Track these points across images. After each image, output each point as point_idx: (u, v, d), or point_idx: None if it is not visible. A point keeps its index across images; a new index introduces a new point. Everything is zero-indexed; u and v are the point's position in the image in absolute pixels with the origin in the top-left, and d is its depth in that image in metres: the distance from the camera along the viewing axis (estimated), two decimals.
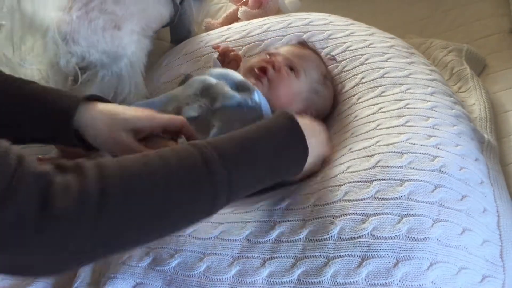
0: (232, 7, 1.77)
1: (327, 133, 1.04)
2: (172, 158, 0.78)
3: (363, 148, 1.01)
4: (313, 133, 0.96)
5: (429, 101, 1.10)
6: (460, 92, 1.32)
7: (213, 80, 1.15)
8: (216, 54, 1.32)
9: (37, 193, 0.67)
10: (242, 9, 1.67)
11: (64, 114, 0.99)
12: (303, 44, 1.28)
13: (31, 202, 0.66)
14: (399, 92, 1.13)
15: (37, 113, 1.00)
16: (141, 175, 0.74)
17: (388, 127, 1.04)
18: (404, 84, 1.15)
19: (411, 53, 1.29)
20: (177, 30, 1.65)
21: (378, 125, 1.06)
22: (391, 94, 1.13)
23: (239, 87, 1.14)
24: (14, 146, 0.69)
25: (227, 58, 1.30)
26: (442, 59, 1.42)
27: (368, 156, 0.98)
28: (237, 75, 1.16)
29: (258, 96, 1.10)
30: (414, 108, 1.08)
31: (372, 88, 1.17)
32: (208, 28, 1.72)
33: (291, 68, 1.17)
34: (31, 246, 0.67)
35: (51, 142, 1.11)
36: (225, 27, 1.54)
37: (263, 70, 1.16)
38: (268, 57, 1.19)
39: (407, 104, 1.09)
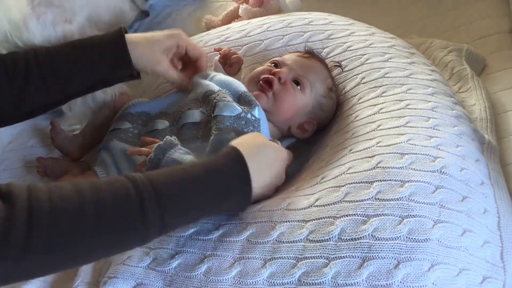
0: (233, 5, 1.77)
1: (285, 162, 1.04)
2: (106, 194, 0.78)
3: (364, 149, 1.01)
4: (269, 165, 0.98)
5: (429, 101, 1.10)
6: (460, 92, 1.32)
7: (215, 87, 1.15)
8: (217, 57, 1.30)
9: None
10: (243, 6, 1.67)
11: (115, 44, 1.11)
12: (310, 53, 1.24)
13: None
14: (400, 92, 1.13)
15: (90, 54, 1.11)
16: (71, 211, 0.75)
17: (389, 128, 1.04)
18: (405, 84, 1.15)
19: (411, 53, 1.29)
20: None
21: (378, 126, 1.06)
22: (392, 95, 1.13)
23: (241, 98, 1.13)
24: None
25: (229, 61, 1.29)
26: (442, 59, 1.42)
27: (369, 157, 0.98)
28: (240, 86, 1.16)
29: (258, 112, 1.10)
30: (415, 109, 1.08)
31: (373, 88, 1.17)
32: (208, 25, 1.72)
33: (297, 82, 1.15)
34: None
35: (102, 82, 1.15)
36: (225, 27, 1.54)
37: (268, 83, 1.14)
38: (273, 67, 1.18)
39: (408, 105, 1.09)
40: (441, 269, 0.81)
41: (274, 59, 1.21)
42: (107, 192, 0.78)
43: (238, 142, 0.95)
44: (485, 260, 0.86)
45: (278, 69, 1.15)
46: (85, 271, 0.97)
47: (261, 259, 0.88)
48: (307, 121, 1.18)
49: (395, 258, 0.81)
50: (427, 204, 0.88)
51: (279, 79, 1.13)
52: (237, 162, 0.90)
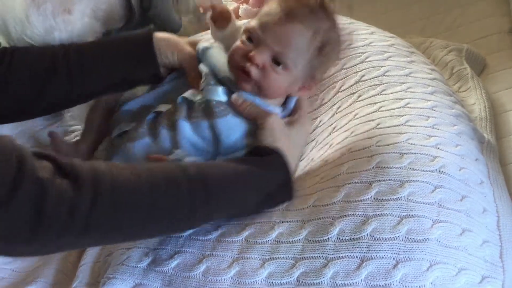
0: (233, 5, 1.76)
1: (308, 132, 1.11)
2: (160, 177, 0.84)
3: (363, 149, 1.00)
4: (299, 146, 1.07)
5: (429, 100, 1.10)
6: (460, 92, 1.32)
7: (204, 69, 1.12)
8: (209, 14, 1.21)
9: (33, 201, 0.71)
10: (243, 7, 1.67)
11: (141, 41, 1.13)
12: (287, 13, 1.03)
13: (26, 211, 0.71)
14: (399, 91, 1.13)
15: (115, 52, 1.13)
16: (131, 192, 0.80)
17: (388, 127, 1.04)
18: (404, 83, 1.15)
19: (411, 52, 1.29)
20: (158, 24, 1.63)
21: (378, 124, 1.05)
22: (391, 93, 1.13)
23: (224, 82, 1.09)
24: (16, 144, 0.73)
25: (214, 17, 1.19)
26: (442, 58, 1.43)
27: (368, 156, 0.97)
28: (222, 70, 1.10)
29: (246, 94, 1.06)
30: (414, 108, 1.08)
31: (372, 86, 1.17)
32: (207, 26, 1.71)
33: (277, 62, 1.03)
34: (20, 250, 0.76)
35: (126, 81, 1.16)
36: None
37: (247, 73, 1.04)
38: (249, 42, 1.06)
39: (407, 103, 1.09)
40: (440, 269, 0.80)
41: (248, 28, 1.06)
42: (161, 176, 0.84)
43: (271, 141, 1.00)
44: (484, 259, 0.86)
45: (252, 53, 1.03)
46: (84, 272, 0.97)
47: (259, 259, 0.88)
48: (304, 84, 1.09)
49: (393, 258, 0.81)
50: (426, 203, 0.87)
51: (256, 65, 1.03)
52: (280, 165, 0.97)
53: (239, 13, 1.68)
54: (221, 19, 1.18)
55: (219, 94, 1.06)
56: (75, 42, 1.16)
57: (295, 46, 1.03)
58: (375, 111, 1.10)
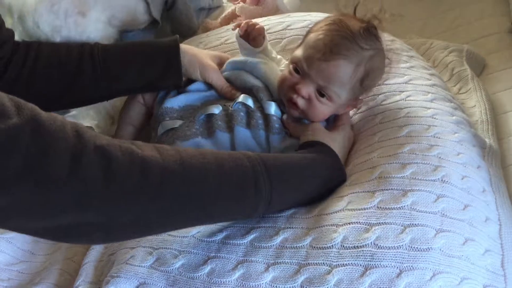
0: (230, 7, 1.76)
1: (351, 140, 1.14)
2: (226, 164, 0.86)
3: (365, 161, 1.02)
4: (345, 146, 1.11)
5: (429, 108, 1.11)
6: (460, 94, 1.33)
7: (254, 81, 1.18)
8: (237, 32, 1.25)
9: (99, 167, 0.72)
10: (239, 5, 1.67)
11: (169, 49, 1.15)
12: (331, 50, 1.07)
13: (94, 177, 0.72)
14: (399, 100, 1.14)
15: (142, 57, 1.15)
16: (199, 169, 0.83)
17: (390, 139, 1.05)
18: (404, 92, 1.16)
19: (410, 57, 1.29)
20: (176, 27, 1.65)
21: (379, 138, 1.07)
22: (391, 103, 1.14)
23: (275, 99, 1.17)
24: (69, 120, 0.74)
25: (251, 34, 1.23)
26: (442, 59, 1.43)
27: (370, 168, 0.99)
28: (274, 90, 1.17)
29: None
30: (415, 117, 1.08)
31: (372, 96, 1.19)
32: (205, 29, 1.69)
33: (322, 94, 1.10)
34: (94, 210, 0.74)
35: (149, 86, 1.19)
36: (224, 28, 1.54)
37: (294, 103, 1.11)
38: (295, 73, 1.11)
39: (407, 113, 1.10)
40: (443, 278, 0.81)
41: (294, 60, 1.13)
42: (228, 163, 0.86)
43: (320, 138, 1.05)
44: (486, 268, 0.86)
45: (299, 85, 1.09)
46: (87, 270, 0.97)
47: (264, 263, 0.88)
48: (348, 104, 1.15)
49: (397, 267, 0.82)
50: (429, 213, 0.88)
51: (302, 97, 1.10)
52: (330, 153, 1.02)
53: (236, 11, 1.68)
54: (258, 37, 1.23)
55: (273, 109, 1.13)
56: (104, 44, 1.17)
57: (338, 81, 1.08)
58: (376, 124, 1.12)
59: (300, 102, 1.10)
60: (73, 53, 1.12)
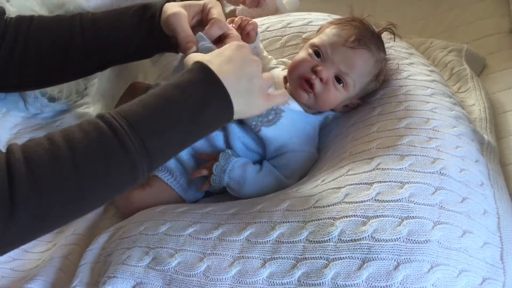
0: (229, 8, 1.76)
1: (268, 83, 0.97)
2: (77, 136, 0.77)
3: (363, 151, 1.01)
4: (232, 59, 0.91)
5: (428, 102, 1.11)
6: (460, 93, 1.32)
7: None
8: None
9: None
10: (240, 7, 1.67)
11: (154, 10, 1.11)
12: (358, 40, 1.12)
13: None
14: (398, 94, 1.14)
15: (130, 20, 1.12)
16: (47, 160, 0.74)
17: (388, 130, 1.04)
18: (403, 86, 1.15)
19: (410, 54, 1.29)
20: None
21: (378, 128, 1.06)
22: (391, 96, 1.14)
23: None
24: None
25: (244, 30, 1.20)
26: (442, 59, 1.43)
27: (368, 158, 0.98)
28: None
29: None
30: (414, 110, 1.08)
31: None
32: None
33: (339, 80, 1.12)
34: None
35: (141, 50, 1.16)
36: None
37: (310, 84, 1.11)
38: (314, 56, 1.13)
39: (407, 106, 1.09)
40: (441, 270, 0.81)
41: (316, 43, 1.14)
42: (79, 134, 0.77)
43: (206, 59, 0.90)
44: (485, 261, 0.86)
45: (319, 67, 1.10)
46: (83, 272, 0.97)
47: (260, 259, 0.88)
48: (351, 101, 1.17)
49: (395, 260, 0.81)
50: (427, 205, 0.88)
51: (321, 79, 1.11)
52: (203, 69, 0.87)
53: (236, 13, 1.68)
54: (252, 31, 1.21)
55: None
56: (93, 12, 1.16)
57: (359, 69, 1.12)
58: (375, 115, 1.11)
59: (318, 84, 1.11)
60: (64, 24, 1.12)
